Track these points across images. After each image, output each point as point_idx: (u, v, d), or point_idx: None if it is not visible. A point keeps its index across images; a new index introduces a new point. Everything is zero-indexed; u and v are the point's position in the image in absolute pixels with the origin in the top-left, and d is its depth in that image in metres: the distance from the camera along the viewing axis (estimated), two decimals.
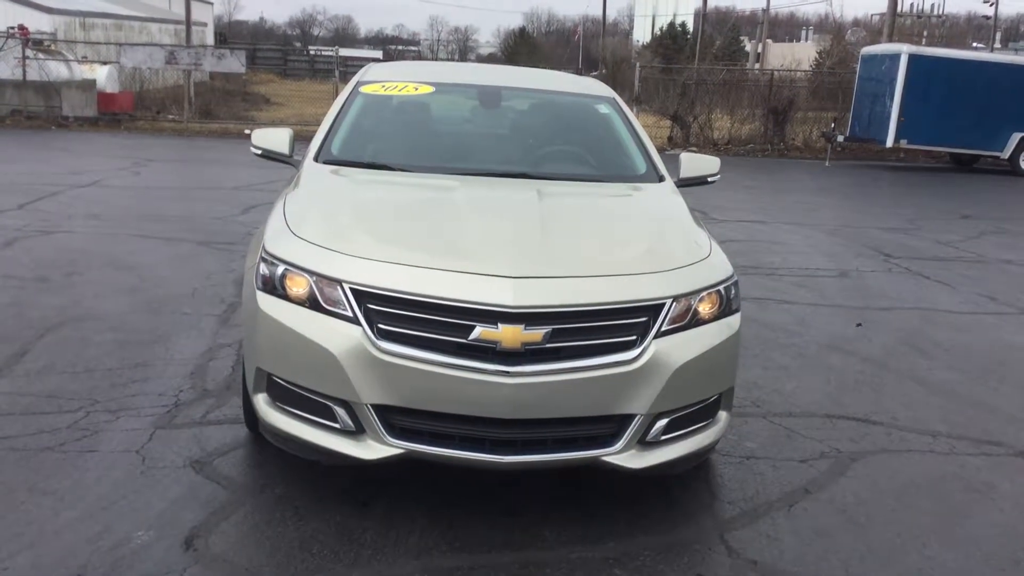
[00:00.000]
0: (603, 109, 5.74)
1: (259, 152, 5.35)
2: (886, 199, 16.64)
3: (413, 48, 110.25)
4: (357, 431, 3.77)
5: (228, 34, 64.77)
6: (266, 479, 4.20)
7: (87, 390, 5.12)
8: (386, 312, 3.68)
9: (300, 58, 61.52)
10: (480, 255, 3.84)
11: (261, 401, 4.02)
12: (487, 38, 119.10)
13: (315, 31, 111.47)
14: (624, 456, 3.83)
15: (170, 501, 3.94)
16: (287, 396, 3.92)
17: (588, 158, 5.41)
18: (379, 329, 3.67)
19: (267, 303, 3.91)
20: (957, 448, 5.06)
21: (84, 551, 3.51)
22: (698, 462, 4.34)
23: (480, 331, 3.61)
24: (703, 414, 4.08)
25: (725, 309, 4.08)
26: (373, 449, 3.75)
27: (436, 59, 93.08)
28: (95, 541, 3.58)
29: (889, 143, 20.94)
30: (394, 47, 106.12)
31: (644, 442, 3.87)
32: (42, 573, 3.35)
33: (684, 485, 4.39)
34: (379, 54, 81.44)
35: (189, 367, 5.59)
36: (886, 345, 6.99)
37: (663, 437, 3.91)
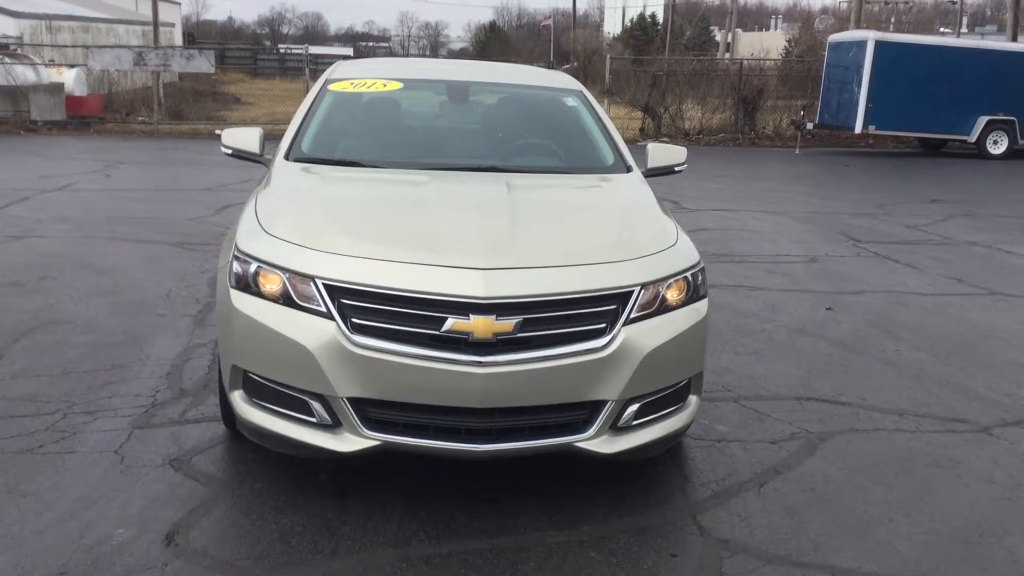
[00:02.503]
0: (571, 102, 5.81)
1: (230, 152, 5.39)
2: (856, 185, 16.80)
3: (384, 44, 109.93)
4: (333, 424, 3.82)
5: (196, 34, 64.28)
6: (244, 475, 4.24)
7: (64, 393, 5.14)
8: (359, 306, 3.74)
9: (270, 57, 61.24)
10: (451, 248, 3.90)
11: (237, 398, 4.06)
12: (458, 33, 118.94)
13: (284, 29, 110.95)
14: (597, 442, 3.90)
15: (150, 499, 3.99)
16: (263, 392, 3.97)
17: (557, 150, 5.47)
18: (352, 323, 3.72)
19: (241, 301, 3.95)
20: (923, 426, 5.17)
21: (65, 550, 3.55)
22: (670, 446, 4.41)
23: (452, 323, 3.67)
24: (673, 398, 4.16)
25: (693, 295, 4.16)
26: (349, 442, 3.80)
27: (407, 55, 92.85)
28: (76, 540, 3.62)
29: (858, 129, 21.15)
30: (364, 44, 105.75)
31: (616, 427, 3.95)
32: (24, 571, 3.38)
33: (657, 469, 4.47)
34: (350, 51, 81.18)
35: (165, 367, 5.62)
36: (855, 328, 7.10)
37: (635, 422, 3.99)
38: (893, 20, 67.86)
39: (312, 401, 3.82)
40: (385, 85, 5.67)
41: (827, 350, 6.53)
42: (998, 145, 21.43)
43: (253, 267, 3.95)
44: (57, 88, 22.10)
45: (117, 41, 33.00)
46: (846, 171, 18.85)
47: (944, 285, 8.72)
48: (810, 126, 22.15)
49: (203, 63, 22.90)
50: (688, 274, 4.16)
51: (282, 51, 68.07)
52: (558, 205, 4.75)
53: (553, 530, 3.87)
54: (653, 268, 4.05)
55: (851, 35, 22.89)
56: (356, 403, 3.76)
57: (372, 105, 5.67)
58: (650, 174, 5.44)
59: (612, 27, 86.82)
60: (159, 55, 22.73)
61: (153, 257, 8.72)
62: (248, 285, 3.95)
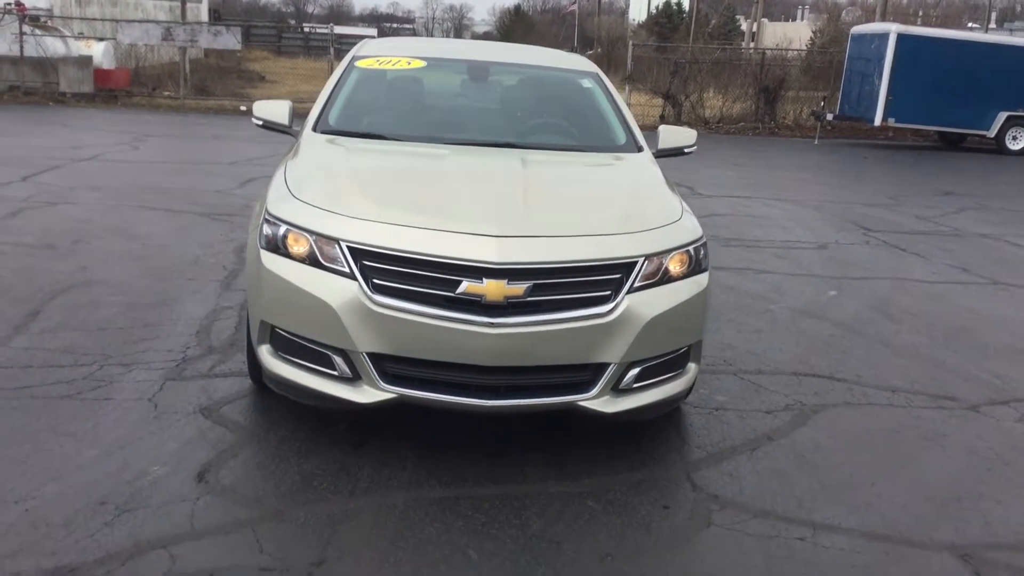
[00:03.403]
0: (586, 83, 6.07)
1: (260, 123, 5.66)
2: (871, 176, 16.96)
3: (408, 26, 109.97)
4: (353, 377, 4.10)
5: (223, 11, 64.64)
6: (269, 424, 4.54)
7: (100, 346, 5.45)
8: (380, 268, 4.01)
9: (295, 35, 61.52)
10: (467, 216, 4.17)
11: (265, 352, 4.35)
12: (482, 16, 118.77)
13: (309, 8, 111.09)
14: (599, 401, 4.18)
15: (182, 442, 4.29)
16: (289, 346, 4.25)
17: (571, 129, 5.73)
18: (374, 284, 4.00)
19: (270, 261, 4.23)
20: (914, 402, 5.42)
21: (105, 483, 3.85)
22: (668, 410, 4.69)
23: (466, 285, 3.94)
24: (673, 364, 4.43)
25: (694, 268, 4.42)
26: (368, 394, 4.09)
27: (431, 36, 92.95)
28: (115, 475, 3.93)
29: (877, 122, 21.26)
30: (389, 25, 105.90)
31: (617, 389, 4.22)
32: (69, 501, 3.69)
33: (656, 431, 4.74)
34: (374, 32, 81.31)
35: (195, 327, 5.92)
36: (857, 311, 7.34)
37: (635, 385, 4.26)
38: (921, 13, 67.52)
39: (334, 355, 4.11)
40: (409, 63, 5.94)
41: (828, 331, 6.77)
42: (1017, 141, 21.51)
43: (282, 229, 4.23)
44: (86, 61, 22.44)
45: (145, 15, 33.30)
46: (863, 163, 18.99)
47: (948, 274, 8.93)
48: (830, 117, 22.26)
49: (230, 40, 23.21)
50: (691, 248, 4.42)
51: (306, 30, 68.37)
52: (569, 180, 5.02)
53: (554, 481, 4.15)
54: (657, 240, 4.32)
55: (873, 27, 22.97)
56: (375, 358, 4.04)
57: (396, 81, 5.94)
58: (660, 155, 5.69)
59: (638, 14, 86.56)
60: (187, 31, 23.04)
61: (181, 226, 9.02)
62: (277, 247, 4.24)
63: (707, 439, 4.71)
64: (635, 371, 4.24)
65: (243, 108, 23.04)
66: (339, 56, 46.62)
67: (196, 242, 8.33)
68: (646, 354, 4.24)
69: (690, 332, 4.47)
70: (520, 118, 5.77)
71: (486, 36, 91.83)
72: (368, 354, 4.03)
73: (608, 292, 4.13)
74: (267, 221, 4.33)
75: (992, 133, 21.48)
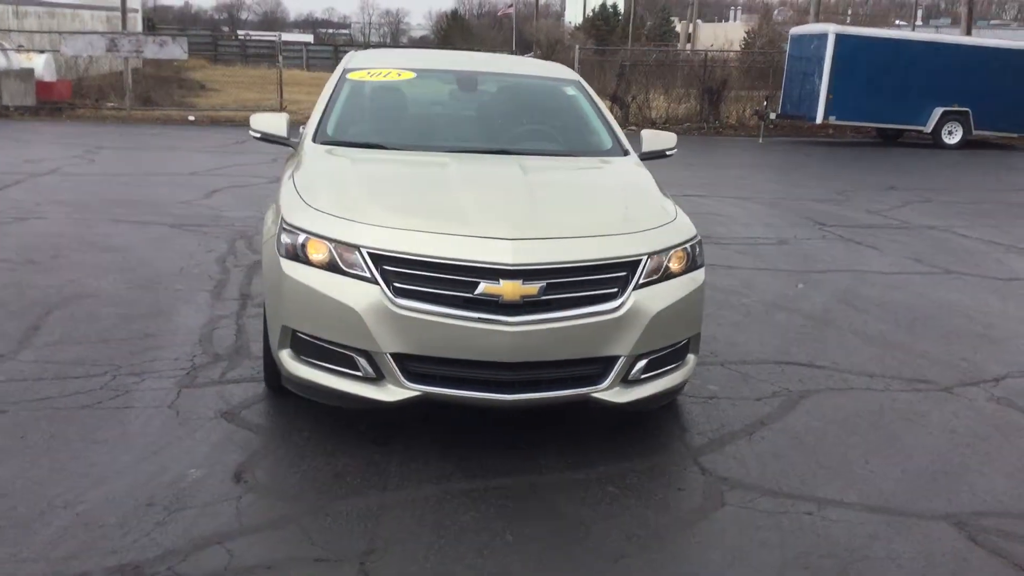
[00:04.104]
0: (570, 91, 6.32)
1: (258, 135, 5.81)
2: (818, 173, 17.47)
3: (344, 32, 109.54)
4: (377, 377, 4.30)
5: (155, 20, 63.94)
6: (290, 426, 4.71)
7: (107, 357, 5.56)
8: (400, 272, 4.22)
9: (231, 43, 61.15)
10: (480, 221, 4.40)
11: (286, 356, 4.53)
12: (418, 21, 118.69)
13: (243, 15, 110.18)
14: (611, 392, 4.42)
15: (211, 445, 4.45)
16: (311, 350, 4.43)
17: (560, 135, 5.99)
18: (395, 287, 4.20)
19: (291, 268, 4.41)
20: (892, 386, 5.75)
21: (148, 486, 4.00)
22: (671, 399, 4.96)
23: (484, 286, 4.16)
24: (675, 356, 4.70)
25: (691, 265, 4.70)
26: (393, 392, 4.29)
27: (368, 43, 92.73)
28: (155, 478, 4.08)
29: (819, 120, 21.86)
30: (325, 31, 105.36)
31: (627, 380, 4.47)
32: (117, 503, 3.84)
33: (657, 421, 5.00)
34: (310, 38, 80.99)
35: (195, 336, 6.05)
36: (824, 303, 7.69)
37: (643, 376, 4.52)
38: (850, 12, 69.07)
39: (358, 357, 4.30)
40: (400, 75, 6.14)
41: (800, 322, 7.10)
42: (953, 135, 22.24)
43: (301, 238, 4.41)
44: (27, 74, 22.18)
45: (83, 27, 32.89)
46: (808, 160, 19.54)
47: (904, 264, 9.34)
48: (773, 116, 22.82)
49: (176, 50, 23.10)
50: (688, 246, 4.69)
51: (241, 37, 67.93)
52: (568, 184, 5.28)
53: (572, 470, 4.38)
54: (657, 240, 4.58)
55: (812, 28, 23.60)
56: (398, 358, 4.24)
57: (389, 93, 6.13)
58: (644, 157, 5.97)
59: (573, 17, 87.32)
60: (132, 41, 22.88)
61: (156, 238, 9.08)
62: (297, 254, 4.42)
63: (706, 426, 4.98)
64: (642, 363, 4.49)
65: (191, 118, 22.97)
66: (291, 64, 46.45)
67: (175, 253, 8.41)
68: (652, 346, 4.49)
69: (690, 325, 4.74)
70: (511, 126, 6.00)
71: (422, 41, 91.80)
72: (392, 354, 4.23)
73: (615, 289, 4.38)
74: (285, 230, 4.50)
75: (929, 128, 22.20)
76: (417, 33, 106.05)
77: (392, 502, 3.99)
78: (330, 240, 4.34)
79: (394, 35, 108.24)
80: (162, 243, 8.86)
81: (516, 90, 6.36)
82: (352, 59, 6.41)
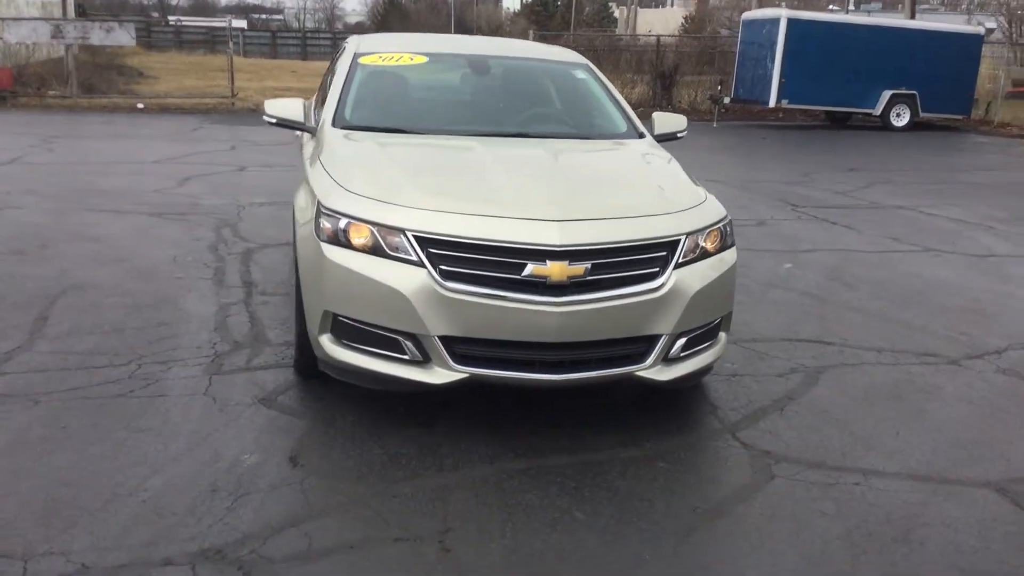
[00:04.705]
0: (580, 74, 6.37)
1: (274, 121, 5.75)
2: (777, 155, 17.74)
3: (277, 17, 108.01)
4: (424, 360, 4.32)
5: (85, 5, 62.51)
6: (331, 411, 4.70)
7: (127, 346, 5.49)
8: (447, 255, 4.23)
9: (165, 29, 60.15)
10: (524, 203, 4.43)
11: (326, 340, 4.52)
12: (353, 6, 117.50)
13: (173, 0, 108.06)
14: (654, 371, 4.49)
15: (257, 430, 4.43)
16: (353, 334, 4.43)
17: (576, 118, 6.04)
18: (441, 270, 4.22)
19: (333, 253, 4.40)
20: (901, 360, 5.90)
21: (207, 472, 3.98)
22: (704, 376, 5.04)
23: (532, 268, 4.20)
24: (709, 334, 4.78)
25: (724, 244, 4.79)
26: (440, 375, 4.31)
27: (303, 28, 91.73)
28: (211, 464, 4.06)
29: (772, 103, 22.19)
30: (258, 16, 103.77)
31: (667, 359, 4.54)
32: (181, 490, 3.81)
33: (687, 399, 5.08)
34: (244, 24, 79.69)
35: (209, 324, 5.99)
36: (816, 281, 7.85)
37: (682, 354, 4.60)
38: None
39: (404, 340, 4.31)
40: (412, 59, 6.13)
41: (798, 300, 7.24)
42: (901, 118, 22.73)
43: (343, 222, 4.40)
44: None
45: (18, 13, 31.98)
46: (765, 143, 19.81)
47: (883, 243, 9.56)
48: (727, 100, 23.09)
49: (123, 36, 22.64)
50: (721, 225, 4.78)
51: (172, 22, 66.79)
52: (600, 166, 5.34)
53: (620, 447, 4.44)
54: (693, 220, 4.66)
55: (764, 13, 23.91)
56: (445, 340, 4.26)
57: (403, 77, 6.13)
58: (658, 140, 6.04)
59: (511, 2, 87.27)
60: (77, 28, 22.37)
61: (138, 227, 8.94)
62: (338, 239, 4.41)
63: (736, 402, 5.07)
64: (682, 341, 4.57)
65: (140, 106, 22.55)
66: (212, 49, 45.77)
67: (162, 242, 8.30)
68: (691, 324, 4.57)
69: (724, 304, 4.83)
70: (527, 109, 6.04)
71: (358, 27, 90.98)
72: (440, 337, 4.25)
73: (657, 269, 4.44)
74: (325, 214, 4.49)
75: (878, 111, 22.66)
76: (352, 19, 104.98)
77: (452, 483, 4.02)
78: (373, 224, 4.34)
79: (329, 21, 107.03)
80: (147, 232, 8.73)
81: (528, 73, 6.39)
82: (361, 43, 6.37)
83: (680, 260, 4.49)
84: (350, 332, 4.46)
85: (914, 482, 4.22)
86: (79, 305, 6.30)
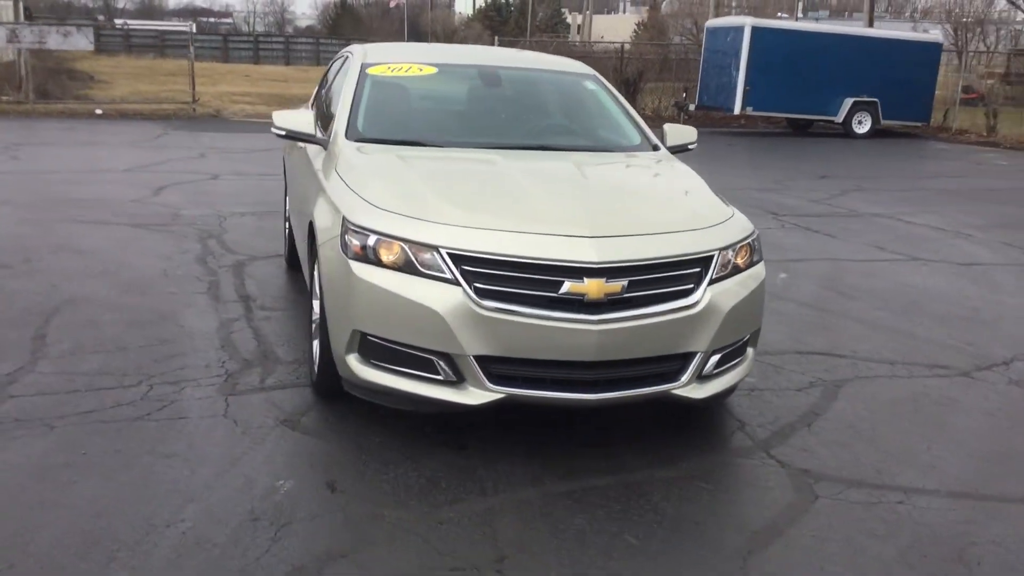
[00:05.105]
0: (590, 85, 6.31)
1: (283, 133, 5.62)
2: (747, 162, 17.86)
3: (227, 21, 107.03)
4: (457, 380, 4.23)
5: (31, 8, 61.35)
6: (358, 432, 4.57)
7: (133, 366, 5.33)
8: (482, 273, 4.15)
9: (113, 33, 59.36)
10: (557, 219, 4.36)
11: (353, 360, 4.41)
12: (303, 10, 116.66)
13: (119, 4, 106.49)
14: (688, 389, 4.44)
15: (286, 454, 4.31)
16: (382, 353, 4.33)
17: (591, 131, 5.98)
18: (476, 288, 4.13)
19: (361, 270, 4.29)
20: (914, 372, 5.91)
21: (243, 499, 3.85)
22: (731, 394, 4.99)
23: (569, 285, 4.13)
24: (740, 351, 4.75)
25: (753, 259, 4.75)
26: (475, 395, 4.22)
27: (252, 32, 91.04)
28: (246, 491, 3.92)
29: (737, 110, 22.36)
30: (206, 20, 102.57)
31: (701, 376, 4.49)
32: (221, 520, 3.67)
33: (712, 416, 5.03)
34: (192, 28, 78.71)
35: (214, 341, 5.84)
36: (813, 292, 7.86)
37: (715, 371, 4.55)
38: (735, 4, 70.60)
39: (437, 360, 4.21)
40: (421, 70, 6.02)
41: (798, 311, 7.24)
42: (862, 125, 23.02)
43: (371, 239, 4.30)
44: None
45: None
46: (731, 149, 19.95)
47: (869, 252, 9.62)
48: (692, 107, 23.22)
49: (81, 40, 22.21)
50: (750, 240, 4.74)
51: (119, 26, 65.86)
52: (625, 180, 5.29)
53: (657, 467, 4.38)
54: (725, 235, 4.62)
55: (728, 21, 24.12)
56: (481, 360, 4.17)
57: (413, 88, 6.02)
58: (670, 151, 5.99)
59: (463, 7, 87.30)
60: (34, 32, 21.87)
61: (123, 239, 8.73)
62: (367, 256, 4.30)
63: (762, 419, 5.03)
64: (715, 358, 4.52)
65: (98, 112, 22.15)
66: (163, 53, 44.91)
67: (150, 255, 8.11)
68: (725, 341, 4.53)
69: (755, 320, 4.80)
70: (541, 121, 5.97)
71: (309, 31, 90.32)
72: (475, 357, 4.16)
73: (691, 285, 4.39)
74: (353, 231, 4.38)
75: (840, 118, 22.92)
76: (303, 23, 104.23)
77: (496, 506, 3.92)
78: (405, 240, 4.24)
79: (279, 24, 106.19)
80: (133, 244, 8.53)
81: (539, 85, 6.31)
82: (367, 54, 6.25)
83: (714, 276, 4.45)
84: (379, 352, 4.35)
85: (953, 500, 4.20)
86: (76, 322, 6.11)
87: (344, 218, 4.48)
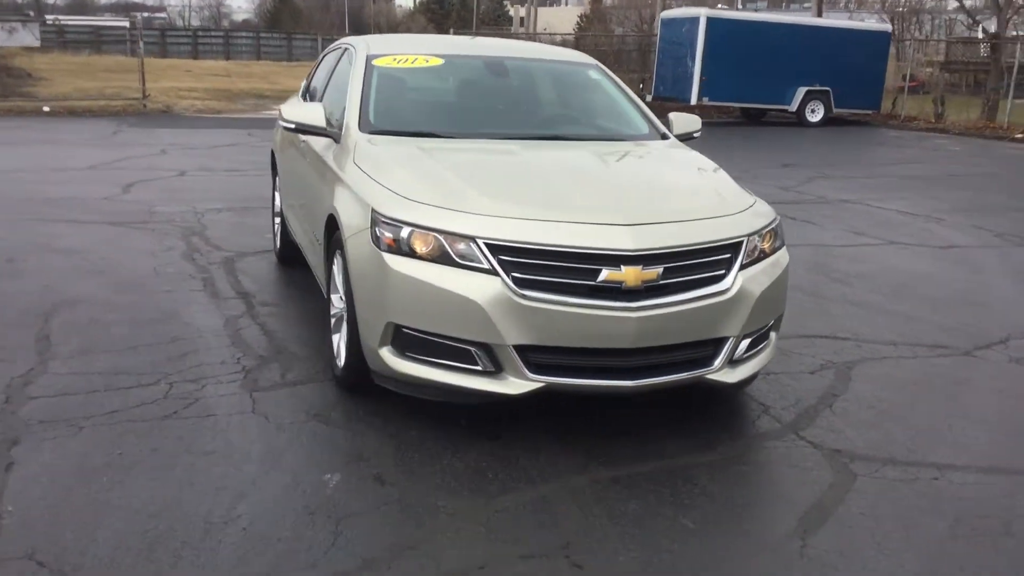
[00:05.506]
0: (594, 75, 6.33)
1: (292, 127, 5.55)
2: (708, 152, 17.76)
3: (161, 15, 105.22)
4: (496, 371, 4.22)
5: None
6: (392, 425, 4.54)
7: (148, 365, 5.24)
8: (520, 262, 4.15)
9: (47, 29, 58.11)
10: (590, 207, 4.38)
11: (387, 353, 4.39)
12: (240, 3, 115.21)
13: None
14: (721, 373, 4.49)
15: (327, 449, 4.28)
16: (418, 345, 4.31)
17: (600, 119, 6.00)
18: (515, 278, 4.13)
19: (396, 262, 4.27)
20: (920, 353, 6.03)
21: (294, 495, 3.81)
22: (756, 378, 5.05)
23: (607, 273, 4.15)
24: (765, 335, 4.80)
25: (777, 245, 4.81)
26: (515, 385, 4.22)
27: (188, 27, 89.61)
28: (295, 486, 3.89)
29: (693, 101, 22.55)
30: (140, 14, 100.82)
31: (732, 361, 4.54)
32: (276, 516, 3.63)
33: (734, 400, 5.09)
34: (126, 23, 77.34)
35: (223, 339, 5.76)
36: (805, 276, 7.96)
37: (745, 355, 4.60)
38: None
39: (476, 350, 4.21)
40: (427, 61, 5.99)
41: (793, 295, 7.20)
42: (815, 113, 23.36)
43: (405, 231, 4.27)
44: None
45: None
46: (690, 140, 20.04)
47: (849, 238, 9.78)
48: (648, 98, 23.36)
49: (27, 36, 21.95)
50: (774, 226, 4.80)
51: (51, 22, 64.62)
52: (648, 169, 5.32)
53: (695, 452, 4.41)
54: (752, 221, 4.68)
55: (684, 12, 24.28)
56: (520, 349, 4.18)
57: (421, 80, 5.99)
58: (678, 139, 6.04)
59: (404, 0, 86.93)
60: None
61: (104, 238, 8.57)
62: (400, 248, 4.28)
63: (783, 402, 5.10)
64: (745, 343, 4.57)
65: (46, 109, 21.72)
66: (99, 49, 44.13)
67: (135, 253, 7.98)
68: (755, 326, 4.59)
69: (780, 304, 4.86)
70: (551, 111, 5.98)
71: (246, 24, 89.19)
72: (515, 346, 4.16)
73: (723, 271, 4.44)
74: (385, 223, 4.35)
75: (794, 107, 23.25)
76: (239, 16, 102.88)
77: (549, 494, 3.93)
78: (440, 232, 4.22)
79: (216, 19, 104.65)
80: (116, 243, 8.38)
81: (544, 75, 6.31)
82: (370, 45, 6.20)
83: (744, 262, 4.50)
84: (414, 344, 4.33)
85: (987, 475, 4.30)
86: (78, 322, 5.99)
87: (373, 210, 4.44)
